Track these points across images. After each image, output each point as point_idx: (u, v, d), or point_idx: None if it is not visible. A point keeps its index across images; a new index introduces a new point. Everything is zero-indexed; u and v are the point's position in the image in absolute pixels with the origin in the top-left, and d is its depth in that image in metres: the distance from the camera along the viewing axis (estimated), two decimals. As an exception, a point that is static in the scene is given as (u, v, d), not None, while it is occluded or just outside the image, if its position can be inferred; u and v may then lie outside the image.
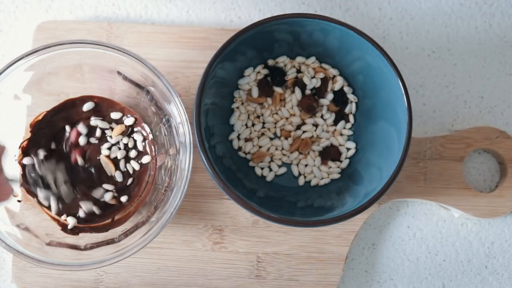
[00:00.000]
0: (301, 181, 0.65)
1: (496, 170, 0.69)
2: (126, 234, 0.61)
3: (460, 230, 0.68)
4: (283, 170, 0.65)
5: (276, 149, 0.65)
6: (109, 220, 0.64)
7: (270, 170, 0.65)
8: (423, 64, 0.70)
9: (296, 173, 0.65)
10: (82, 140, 0.64)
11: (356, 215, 0.57)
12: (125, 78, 0.63)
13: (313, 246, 0.66)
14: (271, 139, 0.66)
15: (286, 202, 0.63)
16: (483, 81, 0.70)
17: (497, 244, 0.68)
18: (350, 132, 0.65)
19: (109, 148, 0.64)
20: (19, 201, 0.62)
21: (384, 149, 0.61)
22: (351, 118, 0.65)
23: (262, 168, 0.65)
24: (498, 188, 0.68)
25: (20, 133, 0.63)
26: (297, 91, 0.65)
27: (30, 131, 0.63)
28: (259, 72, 0.65)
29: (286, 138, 0.65)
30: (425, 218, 0.68)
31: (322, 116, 0.66)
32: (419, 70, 0.70)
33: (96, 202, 0.64)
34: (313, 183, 0.65)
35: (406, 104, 0.58)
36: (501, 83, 0.70)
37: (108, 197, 0.64)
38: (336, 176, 0.65)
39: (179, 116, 0.60)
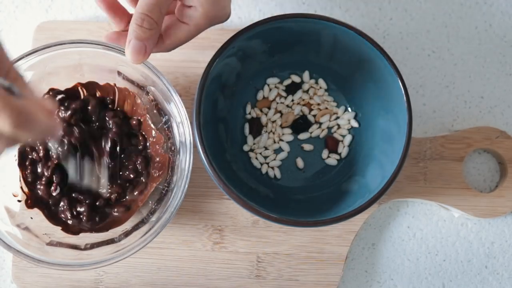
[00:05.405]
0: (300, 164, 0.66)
1: (496, 170, 0.69)
2: (126, 234, 0.61)
3: (460, 230, 0.68)
4: (283, 155, 0.65)
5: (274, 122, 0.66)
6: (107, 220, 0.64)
7: (269, 166, 0.65)
8: (423, 64, 0.70)
9: (300, 165, 0.65)
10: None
11: (356, 215, 0.57)
12: (125, 78, 0.63)
13: (313, 246, 0.66)
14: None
15: (286, 202, 0.64)
16: (483, 81, 0.70)
17: (497, 244, 0.68)
18: (355, 124, 0.66)
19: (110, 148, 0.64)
20: (19, 201, 0.62)
21: (384, 149, 0.61)
22: (344, 151, 0.66)
23: (261, 163, 0.65)
24: (498, 188, 0.68)
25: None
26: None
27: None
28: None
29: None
30: (425, 218, 0.68)
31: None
32: (419, 70, 0.70)
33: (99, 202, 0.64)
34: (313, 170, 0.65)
35: (406, 104, 0.58)
36: (501, 83, 0.70)
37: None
38: (336, 169, 0.65)
39: (179, 116, 0.60)
